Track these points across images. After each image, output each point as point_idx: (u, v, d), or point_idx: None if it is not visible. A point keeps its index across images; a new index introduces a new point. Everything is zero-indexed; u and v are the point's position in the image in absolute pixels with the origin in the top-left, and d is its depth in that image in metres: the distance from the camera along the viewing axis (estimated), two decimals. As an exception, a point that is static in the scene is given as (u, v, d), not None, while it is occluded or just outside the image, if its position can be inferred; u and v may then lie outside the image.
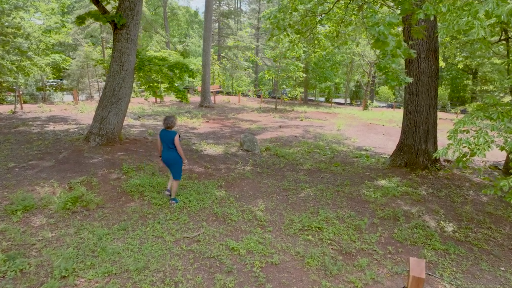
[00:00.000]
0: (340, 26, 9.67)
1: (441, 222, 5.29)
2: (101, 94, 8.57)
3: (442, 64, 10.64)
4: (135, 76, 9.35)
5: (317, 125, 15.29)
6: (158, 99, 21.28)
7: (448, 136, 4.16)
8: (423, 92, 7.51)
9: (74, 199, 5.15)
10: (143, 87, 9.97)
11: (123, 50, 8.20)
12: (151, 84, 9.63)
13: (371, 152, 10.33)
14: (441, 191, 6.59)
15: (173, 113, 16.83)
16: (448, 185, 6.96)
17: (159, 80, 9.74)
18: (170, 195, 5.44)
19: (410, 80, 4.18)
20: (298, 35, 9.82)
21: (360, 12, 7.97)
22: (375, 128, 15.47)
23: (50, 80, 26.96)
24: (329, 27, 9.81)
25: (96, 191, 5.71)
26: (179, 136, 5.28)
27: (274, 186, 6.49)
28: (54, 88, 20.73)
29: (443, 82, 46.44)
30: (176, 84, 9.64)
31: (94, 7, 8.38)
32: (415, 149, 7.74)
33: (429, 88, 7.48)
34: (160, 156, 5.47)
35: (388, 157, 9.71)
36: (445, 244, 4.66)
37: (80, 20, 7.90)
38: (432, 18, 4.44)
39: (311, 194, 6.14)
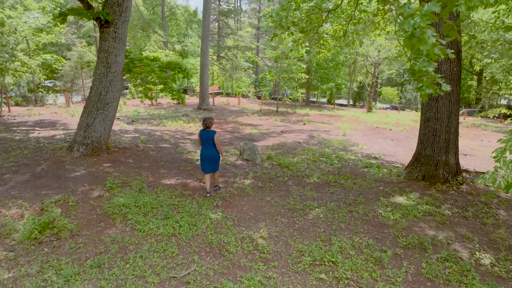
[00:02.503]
0: (348, 24, 8.89)
1: (476, 252, 4.50)
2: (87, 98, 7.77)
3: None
4: (127, 77, 8.59)
5: (322, 130, 14.49)
6: (155, 102, 20.50)
7: (495, 157, 3.37)
8: (443, 97, 6.73)
9: (44, 225, 4.37)
10: (135, 89, 9.17)
11: (110, 50, 7.44)
12: (144, 86, 8.86)
13: (381, 161, 9.54)
14: (467, 210, 5.80)
15: (170, 116, 16.05)
16: (474, 202, 6.17)
17: (156, 81, 8.98)
18: (217, 186, 6.19)
19: (448, 88, 3.40)
20: (303, 34, 9.05)
21: (388, 6, 7.15)
22: (382, 133, 14.68)
23: (47, 81, 26.19)
24: (336, 25, 9.01)
25: (72, 213, 4.93)
26: (218, 135, 5.90)
27: (278, 205, 5.70)
28: (47, 89, 19.91)
29: (447, 83, 45.61)
30: (174, 86, 8.85)
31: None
32: (434, 161, 6.95)
33: (450, 92, 6.68)
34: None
35: (401, 166, 8.94)
36: (485, 283, 3.87)
37: (62, 16, 7.12)
38: (472, 12, 3.66)
39: (321, 215, 5.35)
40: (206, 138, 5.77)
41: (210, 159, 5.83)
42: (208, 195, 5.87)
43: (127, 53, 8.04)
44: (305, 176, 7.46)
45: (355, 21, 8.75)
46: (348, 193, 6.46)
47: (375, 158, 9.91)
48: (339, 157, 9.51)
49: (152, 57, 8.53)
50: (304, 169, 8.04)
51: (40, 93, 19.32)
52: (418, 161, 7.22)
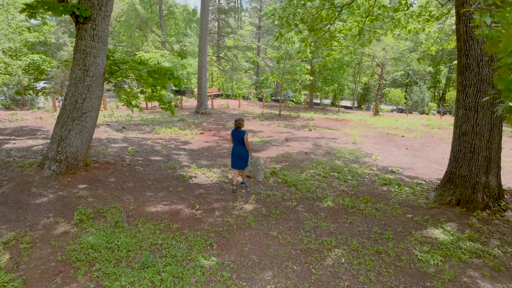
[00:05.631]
0: (365, 21, 7.77)
1: (554, 320, 3.38)
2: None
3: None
4: (114, 83, 7.47)
5: (329, 137, 13.37)
6: (149, 105, 19.40)
7: None
8: (484, 107, 5.62)
9: (-23, 284, 3.26)
10: (119, 95, 8.02)
11: (87, 50, 6.33)
12: (128, 91, 7.75)
13: (400, 176, 8.42)
14: (521, 248, 4.68)
15: (164, 121, 14.95)
16: (526, 236, 5.05)
17: (144, 87, 7.92)
18: (243, 183, 6.77)
19: None
20: (312, 32, 7.93)
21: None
22: (395, 140, 13.56)
23: (41, 82, 25.05)
24: (352, 22, 7.89)
25: (23, 260, 3.82)
26: (247, 134, 6.43)
27: (287, 243, 4.59)
28: (36, 92, 18.78)
29: (452, 84, 44.63)
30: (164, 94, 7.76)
31: None
32: (471, 182, 5.84)
33: (493, 101, 5.58)
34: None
35: (424, 183, 7.85)
36: None
37: (29, 10, 6.00)
38: None
39: (343, 259, 4.23)
40: (237, 137, 6.39)
41: (239, 156, 6.42)
42: (235, 187, 6.48)
43: (109, 54, 6.93)
44: (317, 198, 6.34)
45: (372, 17, 7.63)
46: (370, 223, 5.34)
47: (393, 172, 8.79)
48: (353, 172, 8.39)
49: (139, 60, 7.41)
50: (315, 188, 6.93)
51: (29, 95, 18.21)
52: (452, 182, 6.11)
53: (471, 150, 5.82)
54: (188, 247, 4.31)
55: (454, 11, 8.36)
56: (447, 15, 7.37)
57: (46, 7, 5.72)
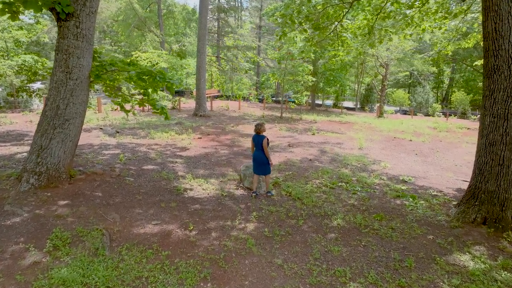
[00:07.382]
0: (376, 19, 7.13)
1: None
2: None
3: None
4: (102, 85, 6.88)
5: (334, 142, 12.73)
6: (146, 107, 18.75)
7: None
8: (516, 114, 4.98)
9: None
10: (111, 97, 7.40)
11: (70, 50, 5.71)
12: (120, 94, 7.13)
13: (412, 186, 7.79)
14: None
15: (161, 124, 14.31)
16: None
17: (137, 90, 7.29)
18: (269, 192, 6.44)
19: None
20: (318, 31, 7.30)
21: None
22: (403, 145, 12.92)
23: (38, 83, 24.45)
24: (362, 20, 7.25)
25: (-20, 302, 3.18)
26: (268, 140, 6.23)
27: (294, 274, 3.95)
28: (29, 93, 18.16)
29: (455, 85, 43.96)
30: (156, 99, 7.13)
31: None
32: (499, 199, 5.21)
33: (526, 108, 4.94)
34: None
35: (440, 195, 7.23)
36: None
37: (7, 8, 5.36)
38: None
39: (361, 298, 3.59)
40: (256, 142, 6.24)
41: (258, 162, 6.24)
42: (254, 194, 6.31)
43: (95, 55, 6.31)
44: (325, 215, 5.70)
45: (384, 14, 7.00)
46: (387, 247, 4.70)
47: (404, 181, 8.15)
48: (362, 182, 7.76)
49: (129, 61, 6.78)
50: (322, 202, 6.29)
51: (21, 97, 17.58)
52: (476, 198, 5.47)
53: (499, 162, 5.19)
54: (179, 281, 3.68)
55: (474, 7, 7.75)
56: (466, 12, 6.75)
57: (23, 3, 5.07)
